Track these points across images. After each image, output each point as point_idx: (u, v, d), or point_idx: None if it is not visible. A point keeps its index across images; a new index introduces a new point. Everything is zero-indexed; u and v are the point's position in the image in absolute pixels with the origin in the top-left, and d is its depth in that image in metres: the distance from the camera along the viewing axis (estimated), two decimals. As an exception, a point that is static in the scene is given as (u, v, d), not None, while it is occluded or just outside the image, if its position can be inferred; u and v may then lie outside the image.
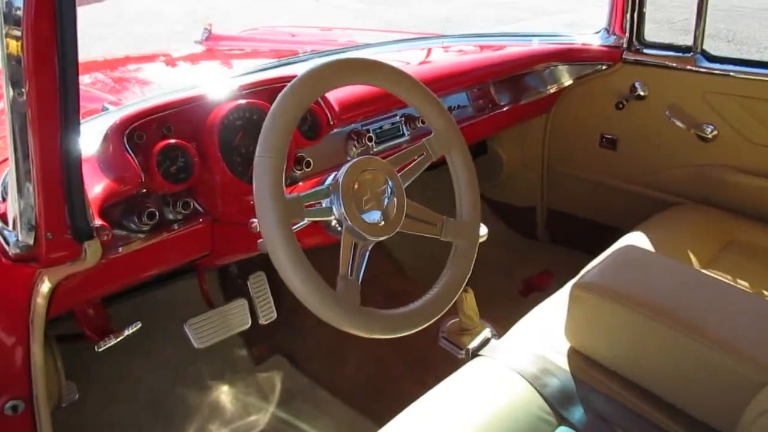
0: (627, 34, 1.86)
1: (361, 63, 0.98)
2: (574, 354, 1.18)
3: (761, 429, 0.85)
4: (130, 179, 1.01)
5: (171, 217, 1.11)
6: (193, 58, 2.35)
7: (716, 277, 1.40)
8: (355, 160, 0.94)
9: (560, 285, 1.39)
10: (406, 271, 2.07)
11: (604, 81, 1.91)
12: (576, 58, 1.92)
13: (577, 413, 1.06)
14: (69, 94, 0.76)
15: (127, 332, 1.25)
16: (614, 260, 1.21)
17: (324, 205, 0.92)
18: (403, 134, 1.48)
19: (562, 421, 1.05)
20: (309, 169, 1.24)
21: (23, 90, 0.73)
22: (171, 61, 2.27)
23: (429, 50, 1.91)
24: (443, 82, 1.60)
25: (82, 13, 0.80)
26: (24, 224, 0.82)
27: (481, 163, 2.18)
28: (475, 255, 1.05)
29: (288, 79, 1.25)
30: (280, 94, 0.90)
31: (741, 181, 1.76)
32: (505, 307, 1.59)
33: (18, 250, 0.86)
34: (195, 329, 1.43)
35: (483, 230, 1.20)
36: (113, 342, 1.22)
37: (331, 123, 1.29)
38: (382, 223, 0.94)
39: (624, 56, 1.87)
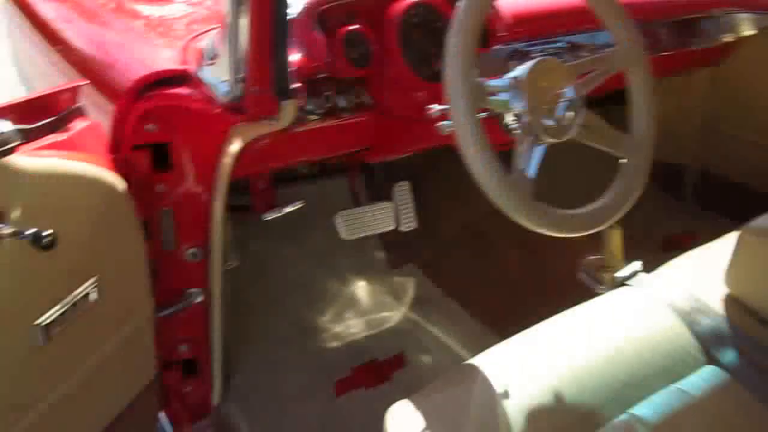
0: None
1: None
2: (732, 300, 1.12)
3: None
4: (318, 56, 1.06)
5: (342, 104, 1.16)
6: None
7: None
8: (540, 58, 0.93)
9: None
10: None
11: None
12: (765, 6, 1.74)
13: (729, 355, 1.02)
14: None
15: (289, 209, 1.34)
16: None
17: (501, 97, 0.92)
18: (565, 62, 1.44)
19: (711, 360, 1.01)
20: None
21: None
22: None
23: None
24: None
25: None
26: (235, 78, 0.90)
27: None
28: (647, 173, 1.02)
29: None
30: None
31: None
32: (644, 258, 1.54)
33: (227, 100, 0.94)
34: (345, 221, 1.51)
35: None
36: (277, 214, 1.32)
37: (501, 34, 1.28)
38: (551, 121, 0.93)
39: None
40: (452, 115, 0.87)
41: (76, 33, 1.38)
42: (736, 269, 1.12)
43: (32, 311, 0.86)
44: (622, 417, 0.90)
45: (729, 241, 1.16)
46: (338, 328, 1.59)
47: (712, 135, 2.03)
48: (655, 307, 1.09)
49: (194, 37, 1.13)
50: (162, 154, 1.08)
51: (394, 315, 1.62)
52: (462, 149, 0.87)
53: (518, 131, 0.92)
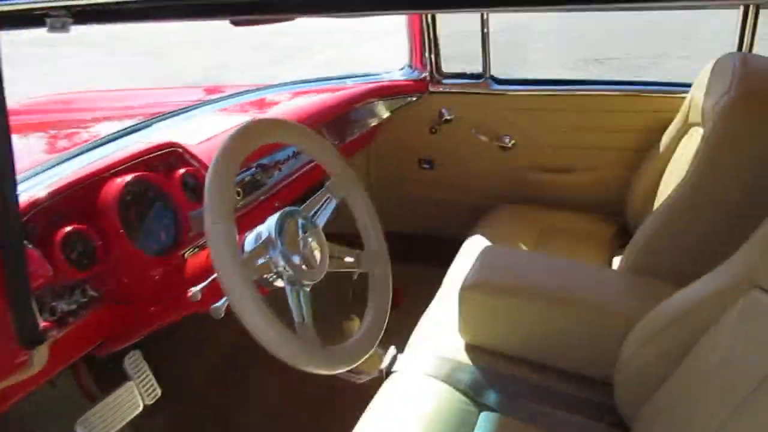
0: (428, 70, 2.13)
1: (277, 123, 1.08)
2: (472, 348, 1.35)
3: (635, 367, 1.08)
4: (41, 273, 0.95)
5: (66, 309, 1.05)
6: None
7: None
8: (279, 213, 1.00)
9: (414, 298, 1.56)
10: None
11: (416, 110, 2.16)
12: (389, 93, 2.14)
13: (492, 397, 1.22)
14: None
15: None
16: (482, 261, 1.41)
17: (263, 260, 0.96)
18: (265, 183, 1.53)
19: (482, 407, 1.20)
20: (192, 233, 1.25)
21: None
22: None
23: (261, 101, 1.98)
24: None
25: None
26: None
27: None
28: (390, 278, 1.17)
29: (160, 147, 1.27)
30: (213, 160, 0.93)
31: (539, 178, 2.11)
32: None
33: None
34: (88, 427, 1.33)
35: None
36: None
37: None
38: (307, 266, 1.00)
39: (429, 88, 2.14)
40: (235, 303, 0.87)
41: None
42: (465, 321, 1.35)
43: None
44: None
45: (444, 301, 1.39)
46: None
47: (379, 200, 2.37)
48: (424, 383, 1.24)
49: None
50: None
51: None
52: (247, 324, 0.87)
53: (286, 286, 0.97)
